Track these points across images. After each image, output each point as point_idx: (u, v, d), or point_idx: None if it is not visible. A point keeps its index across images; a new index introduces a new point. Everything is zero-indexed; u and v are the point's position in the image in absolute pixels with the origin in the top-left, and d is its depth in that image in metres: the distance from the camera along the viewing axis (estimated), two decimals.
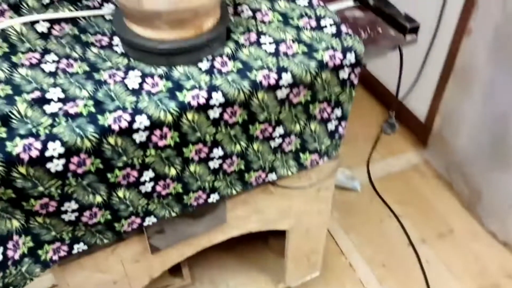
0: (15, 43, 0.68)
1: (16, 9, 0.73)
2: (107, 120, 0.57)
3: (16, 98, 0.60)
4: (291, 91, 0.67)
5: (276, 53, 0.67)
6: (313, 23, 0.73)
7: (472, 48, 1.28)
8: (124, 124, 0.57)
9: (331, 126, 0.76)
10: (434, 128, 1.53)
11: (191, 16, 0.62)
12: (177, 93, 0.61)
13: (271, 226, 0.93)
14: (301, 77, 0.65)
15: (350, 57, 0.67)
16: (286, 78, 0.65)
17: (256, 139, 0.70)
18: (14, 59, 0.66)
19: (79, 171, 0.58)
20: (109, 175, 0.61)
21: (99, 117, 0.57)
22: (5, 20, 0.72)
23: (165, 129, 0.61)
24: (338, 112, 0.74)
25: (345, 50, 0.67)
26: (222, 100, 0.62)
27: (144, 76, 0.63)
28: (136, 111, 0.58)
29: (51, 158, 0.55)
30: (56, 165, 0.56)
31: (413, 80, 1.54)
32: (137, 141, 0.60)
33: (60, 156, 0.55)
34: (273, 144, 0.73)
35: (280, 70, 0.65)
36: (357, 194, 1.48)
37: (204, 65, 0.66)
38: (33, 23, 0.71)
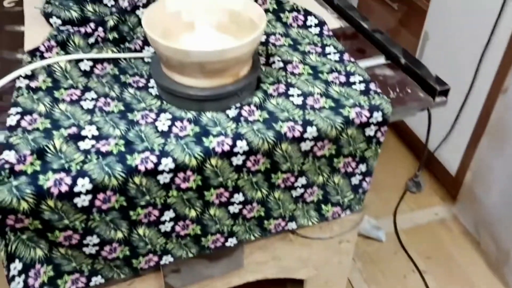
0: (59, 79, 0.73)
1: (63, 46, 0.78)
2: (135, 160, 0.60)
3: (54, 132, 0.63)
4: (315, 144, 0.68)
5: (303, 106, 0.69)
6: (343, 79, 0.74)
7: (507, 105, 1.26)
8: (150, 166, 0.60)
9: (355, 180, 0.76)
10: (464, 183, 1.50)
11: (228, 66, 0.65)
12: (203, 139, 0.63)
13: (289, 274, 0.93)
14: (326, 131, 0.67)
15: (377, 116, 0.68)
16: (311, 131, 0.66)
17: (278, 187, 0.71)
18: (56, 94, 0.70)
19: (104, 207, 0.60)
20: (131, 213, 0.63)
21: (128, 157, 0.60)
22: (52, 57, 0.77)
23: (188, 172, 0.62)
24: (362, 167, 0.75)
25: (372, 109, 0.68)
26: (246, 148, 0.64)
27: (174, 119, 0.66)
28: (163, 153, 0.61)
29: (79, 194, 0.58)
30: (82, 201, 0.58)
31: (446, 133, 1.52)
32: (161, 182, 0.62)
33: (87, 192, 0.58)
34: (294, 193, 0.74)
35: (306, 123, 0.66)
36: (381, 244, 1.45)
37: (232, 112, 0.68)
38: (77, 61, 0.75)
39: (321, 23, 0.88)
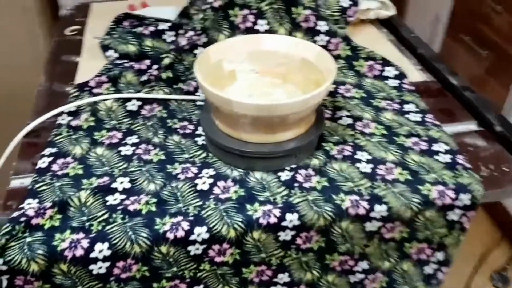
0: (102, 118, 0.67)
1: (114, 82, 0.73)
2: (164, 226, 0.51)
3: (84, 181, 0.56)
4: (383, 226, 0.55)
5: (372, 176, 0.57)
6: (424, 146, 0.61)
7: None
8: (180, 234, 0.50)
9: (428, 269, 0.62)
10: None
11: (280, 121, 0.55)
12: (247, 206, 0.53)
13: None
14: (398, 212, 0.54)
15: (464, 199, 0.55)
16: (380, 210, 0.54)
17: (333, 270, 0.59)
18: (96, 135, 0.64)
19: (123, 276, 0.52)
20: (154, 285, 0.54)
21: (157, 220, 0.51)
22: (102, 93, 0.72)
23: (225, 245, 0.52)
24: (440, 255, 0.60)
25: (459, 189, 0.55)
26: (297, 222, 0.53)
27: (217, 177, 0.57)
28: (198, 220, 0.51)
29: (95, 260, 0.50)
30: (99, 268, 0.50)
31: None
32: (192, 253, 0.52)
33: (105, 259, 0.50)
34: (352, 279, 0.61)
35: (374, 198, 0.54)
36: None
37: (285, 175, 0.57)
38: (125, 99, 0.69)
39: (401, 75, 0.76)
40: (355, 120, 0.67)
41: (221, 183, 0.56)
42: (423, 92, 0.74)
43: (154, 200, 0.54)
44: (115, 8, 0.97)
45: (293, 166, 0.59)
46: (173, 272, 0.53)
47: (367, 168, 0.59)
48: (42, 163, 0.59)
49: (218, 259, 0.54)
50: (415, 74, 0.78)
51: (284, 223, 0.53)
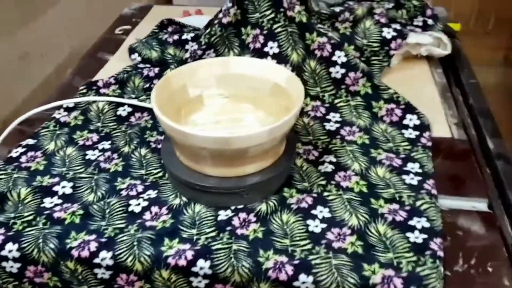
0: (91, 118, 0.68)
1: (122, 85, 0.74)
2: (74, 242, 0.49)
3: (38, 177, 0.58)
4: None
5: (317, 239, 0.49)
6: (399, 218, 0.51)
7: None
8: (85, 254, 0.48)
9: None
10: None
11: (232, 155, 0.50)
12: (165, 240, 0.49)
13: None
14: (325, 285, 0.45)
15: None
16: (305, 280, 0.45)
17: None
18: (76, 135, 0.65)
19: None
20: None
21: (71, 234, 0.50)
22: (108, 93, 0.73)
23: (132, 277, 0.49)
24: None
25: (412, 279, 0.44)
26: (208, 271, 0.47)
27: (155, 201, 0.54)
28: (108, 243, 0.49)
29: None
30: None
31: None
32: (99, 276, 0.50)
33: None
34: None
35: (304, 266, 0.46)
36: None
37: (224, 215, 0.52)
38: (119, 104, 0.70)
39: (422, 126, 0.64)
40: (337, 170, 0.58)
41: (154, 209, 0.53)
42: (443, 151, 0.61)
43: (81, 212, 0.52)
44: (171, 13, 0.99)
45: (240, 206, 0.53)
46: None
47: (317, 228, 0.50)
48: (15, 152, 0.62)
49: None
50: (444, 128, 0.65)
51: (194, 269, 0.47)
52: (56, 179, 0.57)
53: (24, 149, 0.62)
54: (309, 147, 0.62)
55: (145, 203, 0.54)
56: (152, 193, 0.55)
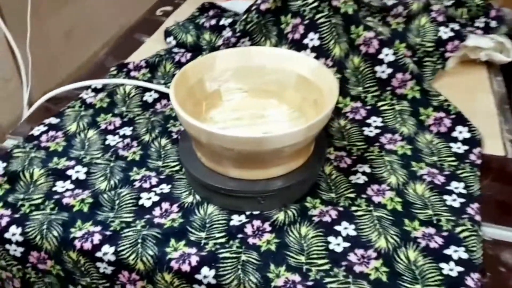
0: (117, 102, 0.65)
1: (152, 69, 0.71)
2: (78, 232, 0.47)
3: (54, 159, 0.56)
4: None
5: (337, 259, 0.44)
6: (433, 244, 0.45)
7: None
8: (87, 246, 0.46)
9: None
10: None
11: (255, 157, 0.45)
12: (172, 240, 0.45)
13: None
14: None
15: None
16: None
17: None
18: (99, 118, 0.63)
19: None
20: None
21: (77, 223, 0.47)
22: (138, 77, 0.70)
23: (134, 275, 0.46)
24: None
25: None
26: (212, 281, 0.43)
27: (167, 196, 0.50)
28: (112, 237, 0.46)
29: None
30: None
31: None
32: (101, 270, 0.47)
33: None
34: None
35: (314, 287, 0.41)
36: None
37: (237, 220, 0.48)
38: (146, 89, 0.67)
39: (473, 141, 0.57)
40: (370, 182, 0.52)
41: (165, 205, 0.50)
42: (493, 172, 0.54)
43: (91, 200, 0.50)
44: None
45: (255, 212, 0.49)
46: (86, 282, 0.49)
47: (338, 247, 0.45)
48: (37, 130, 0.60)
49: (128, 287, 0.48)
50: (498, 145, 0.57)
51: (198, 276, 0.44)
52: (72, 163, 0.55)
53: (46, 128, 0.61)
54: (342, 153, 0.56)
55: (156, 198, 0.50)
56: (166, 188, 0.52)
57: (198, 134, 0.44)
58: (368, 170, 0.54)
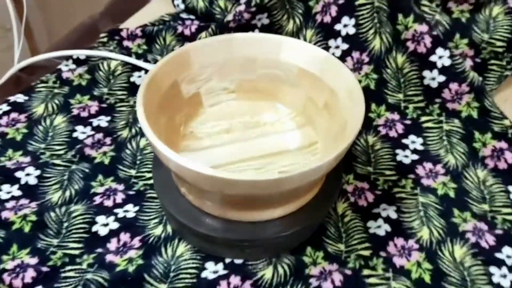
0: (98, 80, 0.54)
1: (149, 40, 0.59)
2: (8, 263, 0.37)
3: (8, 151, 0.46)
4: None
5: None
6: None
7: None
8: (17, 284, 0.36)
9: None
10: None
11: (242, 199, 0.33)
12: (129, 268, 0.35)
13: None
14: None
15: None
16: None
17: None
18: (74, 99, 0.51)
19: None
20: None
21: (12, 248, 0.38)
22: (132, 48, 0.58)
23: None
24: None
25: None
26: None
27: (129, 224, 0.40)
28: (50, 276, 0.36)
29: None
30: None
31: None
32: None
33: None
34: None
35: None
36: None
37: (210, 270, 0.37)
38: (136, 67, 0.55)
39: None
40: (394, 234, 0.39)
41: (124, 237, 0.39)
42: None
43: (34, 218, 0.40)
44: None
45: (238, 261, 0.38)
46: None
47: None
48: None
49: None
50: None
51: None
52: (27, 159, 0.45)
53: (8, 108, 0.50)
54: (364, 185, 0.43)
55: (115, 225, 0.40)
56: (132, 210, 0.41)
57: (183, 173, 0.32)
58: (393, 215, 0.41)
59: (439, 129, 0.48)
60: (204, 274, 0.37)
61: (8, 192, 0.42)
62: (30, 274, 0.36)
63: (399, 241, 0.39)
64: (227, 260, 0.38)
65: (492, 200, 0.42)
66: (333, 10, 0.49)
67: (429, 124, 0.48)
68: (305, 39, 0.51)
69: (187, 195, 0.37)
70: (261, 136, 0.41)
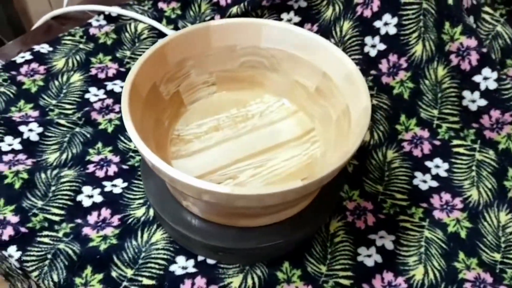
0: (123, 41, 0.52)
1: (184, 5, 0.56)
2: None
3: (20, 102, 0.46)
4: None
5: None
6: None
7: None
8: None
9: None
10: None
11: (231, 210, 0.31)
12: (87, 270, 0.35)
13: None
14: None
15: None
16: None
17: None
18: (94, 59, 0.51)
19: None
20: None
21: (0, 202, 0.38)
22: (165, 10, 0.56)
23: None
24: None
25: None
26: None
27: (113, 199, 0.39)
28: (27, 237, 0.36)
29: None
30: None
31: None
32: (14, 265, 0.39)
33: None
34: None
35: None
36: None
37: (179, 264, 0.35)
38: (162, 33, 0.52)
39: None
40: (384, 267, 0.36)
41: (105, 212, 0.38)
42: None
43: (26, 176, 0.40)
44: None
45: (210, 261, 0.36)
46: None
47: None
48: (21, 57, 0.50)
49: None
50: None
51: None
52: (35, 113, 0.45)
53: (31, 57, 0.50)
54: (368, 205, 0.39)
55: (99, 198, 0.39)
56: (120, 185, 0.40)
57: (188, 190, 0.29)
58: (390, 246, 0.37)
59: (470, 157, 0.42)
60: (172, 268, 0.35)
61: (10, 145, 0.42)
62: (8, 231, 0.37)
63: (387, 276, 0.36)
64: (200, 258, 0.36)
65: (508, 251, 0.37)
66: (375, 4, 0.43)
67: (460, 150, 0.43)
68: (341, 31, 0.46)
69: (170, 189, 0.35)
70: (253, 130, 0.38)
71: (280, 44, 0.36)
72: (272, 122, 0.38)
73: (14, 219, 0.37)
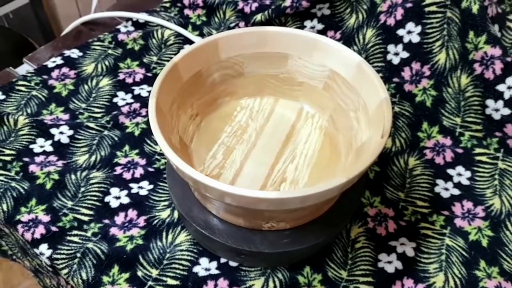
0: (150, 47, 0.54)
1: (210, 12, 0.57)
2: (24, 216, 0.39)
3: (52, 105, 0.48)
4: None
5: None
6: None
7: None
8: (27, 237, 0.38)
9: None
10: None
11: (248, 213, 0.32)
12: (114, 269, 0.36)
13: None
14: None
15: None
16: None
17: None
18: (123, 63, 0.52)
19: None
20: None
21: (31, 201, 0.40)
22: (191, 17, 0.57)
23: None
24: None
25: None
26: None
27: (140, 200, 0.40)
28: (57, 236, 0.38)
29: None
30: None
31: None
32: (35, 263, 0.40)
33: None
34: None
35: None
36: None
37: (202, 266, 0.36)
38: (188, 39, 0.54)
39: None
40: (405, 274, 0.36)
41: (132, 213, 0.40)
42: None
43: (56, 177, 0.41)
44: None
45: (233, 263, 0.37)
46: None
47: None
48: (52, 62, 0.52)
49: None
50: None
51: None
52: (66, 116, 0.47)
53: (62, 62, 0.52)
54: (389, 211, 0.40)
55: (126, 200, 0.40)
56: (146, 187, 0.41)
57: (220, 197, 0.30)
58: (410, 253, 0.37)
59: (493, 165, 0.42)
60: (195, 269, 0.36)
61: (41, 146, 0.44)
62: (40, 230, 0.38)
63: (408, 283, 0.36)
64: (222, 260, 0.37)
65: None
66: (399, 13, 0.44)
67: (483, 158, 0.43)
68: (364, 38, 0.47)
69: (195, 193, 0.36)
70: (259, 133, 0.39)
71: (240, 50, 0.38)
72: (266, 119, 0.39)
73: (46, 218, 0.39)
